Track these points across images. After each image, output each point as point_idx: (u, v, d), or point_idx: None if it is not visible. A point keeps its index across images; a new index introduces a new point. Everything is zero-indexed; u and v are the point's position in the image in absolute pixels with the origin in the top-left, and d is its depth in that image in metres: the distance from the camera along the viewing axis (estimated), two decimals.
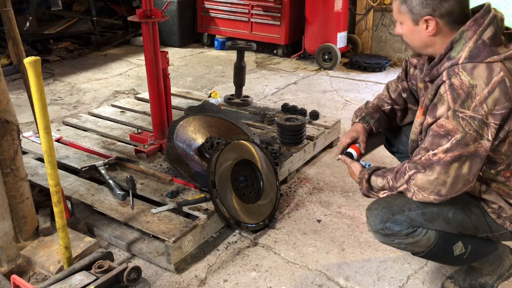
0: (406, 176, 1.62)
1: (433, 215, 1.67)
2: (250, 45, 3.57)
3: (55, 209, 1.82)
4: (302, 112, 3.39)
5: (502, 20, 1.53)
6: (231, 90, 3.94)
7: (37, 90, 1.61)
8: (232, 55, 5.58)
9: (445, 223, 1.68)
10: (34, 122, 2.99)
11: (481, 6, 1.55)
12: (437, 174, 1.53)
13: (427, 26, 1.56)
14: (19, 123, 2.01)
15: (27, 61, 1.58)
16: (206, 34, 6.19)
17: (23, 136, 2.78)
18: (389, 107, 2.05)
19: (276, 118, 3.15)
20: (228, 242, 2.31)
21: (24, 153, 2.77)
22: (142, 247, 2.17)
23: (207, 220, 2.21)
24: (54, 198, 1.79)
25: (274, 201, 2.48)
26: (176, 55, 5.79)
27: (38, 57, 1.59)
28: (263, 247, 2.28)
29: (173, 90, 3.79)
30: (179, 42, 6.17)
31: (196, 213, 2.26)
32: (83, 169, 2.64)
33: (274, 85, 4.70)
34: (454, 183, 1.53)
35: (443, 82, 1.52)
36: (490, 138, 1.50)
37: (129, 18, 2.69)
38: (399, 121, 2.09)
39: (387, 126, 2.11)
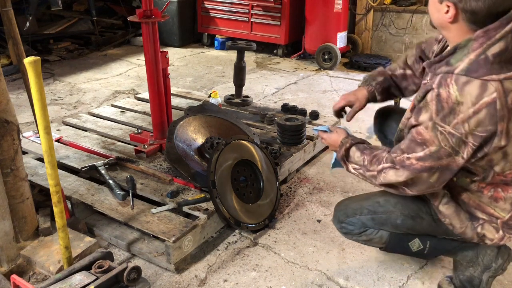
0: (380, 167, 1.64)
1: (382, 221, 1.81)
2: (250, 45, 3.57)
3: (55, 209, 1.82)
4: (302, 112, 3.39)
5: None
6: (231, 90, 3.94)
7: (37, 90, 1.61)
8: (232, 55, 5.58)
9: (394, 228, 1.81)
10: (34, 122, 2.99)
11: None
12: (405, 177, 1.57)
13: (447, 10, 1.46)
14: (19, 123, 2.01)
15: (27, 61, 1.58)
16: (206, 34, 6.19)
17: (23, 136, 2.78)
18: (401, 71, 2.00)
19: (276, 118, 3.15)
20: (228, 242, 2.31)
21: (24, 153, 2.77)
22: (142, 247, 2.17)
23: (207, 220, 2.21)
24: (54, 198, 1.79)
25: (274, 201, 2.48)
26: (176, 55, 5.79)
27: (38, 57, 1.59)
28: (263, 247, 2.28)
29: (173, 90, 3.79)
30: (179, 42, 6.17)
31: (196, 213, 2.26)
32: (83, 169, 2.64)
33: (274, 85, 4.70)
34: (421, 184, 1.57)
35: (432, 89, 1.48)
36: (465, 156, 1.47)
37: (129, 18, 2.69)
38: (412, 87, 2.03)
39: (398, 93, 2.07)
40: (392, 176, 1.59)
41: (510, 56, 1.40)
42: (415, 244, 1.83)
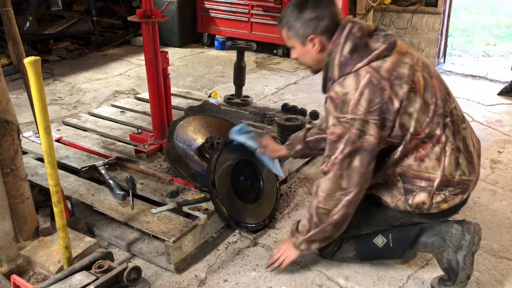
0: (314, 188, 1.83)
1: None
2: (250, 45, 3.57)
3: (55, 209, 1.82)
4: (302, 112, 3.39)
5: (361, 28, 1.72)
6: (231, 90, 3.94)
7: (37, 90, 1.61)
8: (232, 55, 5.57)
9: (355, 229, 1.98)
10: (34, 122, 2.99)
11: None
12: (334, 171, 1.74)
13: (313, 44, 1.77)
14: (19, 123, 2.01)
15: (27, 61, 1.58)
16: (206, 34, 6.19)
17: (23, 136, 2.78)
18: (315, 136, 2.19)
19: (276, 118, 3.15)
20: (228, 242, 2.31)
21: (24, 153, 2.77)
22: (142, 247, 2.17)
23: (207, 220, 2.21)
24: (54, 198, 1.79)
25: (274, 201, 2.48)
26: (176, 55, 5.79)
27: (38, 57, 1.59)
28: (263, 247, 2.28)
29: (173, 90, 3.79)
30: (179, 42, 6.17)
31: (196, 213, 2.27)
32: (83, 169, 2.64)
33: (274, 85, 4.70)
34: (350, 175, 1.73)
35: (326, 98, 1.76)
36: (373, 133, 1.68)
37: (129, 18, 2.69)
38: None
39: (316, 154, 2.42)
40: (325, 181, 1.77)
41: (362, 46, 1.71)
42: (379, 239, 1.98)
